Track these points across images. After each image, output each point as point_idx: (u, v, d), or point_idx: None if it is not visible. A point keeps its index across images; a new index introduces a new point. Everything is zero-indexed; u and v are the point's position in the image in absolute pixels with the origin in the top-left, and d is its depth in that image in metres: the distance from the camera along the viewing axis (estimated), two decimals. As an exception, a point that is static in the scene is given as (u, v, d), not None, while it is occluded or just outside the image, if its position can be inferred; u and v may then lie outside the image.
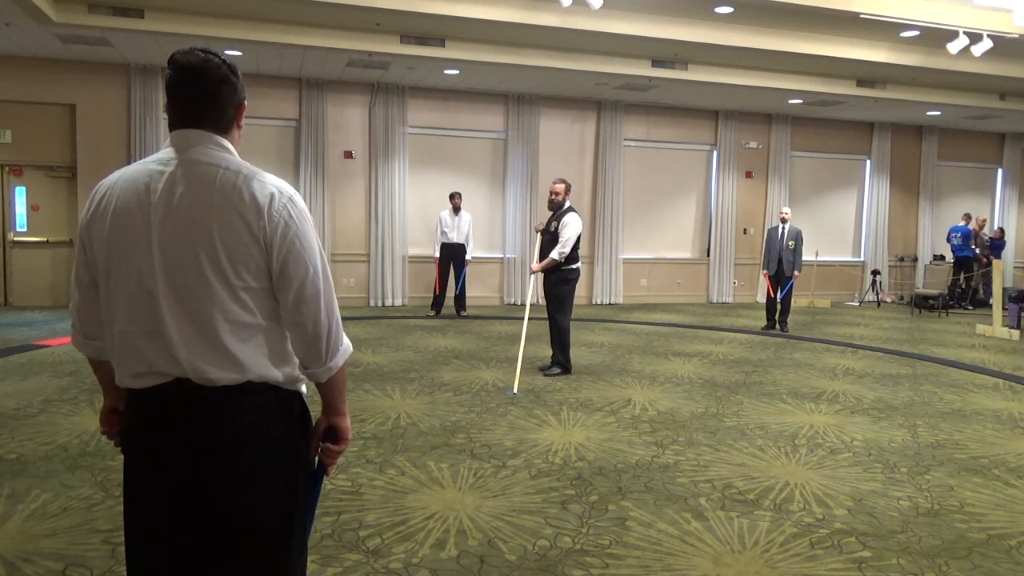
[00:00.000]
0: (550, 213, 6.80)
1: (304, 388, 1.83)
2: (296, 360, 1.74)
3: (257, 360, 1.67)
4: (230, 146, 1.71)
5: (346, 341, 1.75)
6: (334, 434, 1.79)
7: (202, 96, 1.68)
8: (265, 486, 1.73)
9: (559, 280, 6.65)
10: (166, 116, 1.75)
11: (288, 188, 1.68)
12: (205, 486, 1.70)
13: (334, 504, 3.56)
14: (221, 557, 1.75)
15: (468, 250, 10.55)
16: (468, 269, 10.74)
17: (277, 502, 1.75)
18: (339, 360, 1.72)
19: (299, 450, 1.79)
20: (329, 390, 1.76)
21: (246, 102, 1.77)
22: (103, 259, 1.68)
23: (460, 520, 3.42)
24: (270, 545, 1.76)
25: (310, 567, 2.91)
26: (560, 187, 6.69)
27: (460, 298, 10.55)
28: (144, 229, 1.63)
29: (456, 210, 10.47)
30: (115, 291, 1.67)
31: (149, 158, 1.73)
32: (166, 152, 1.69)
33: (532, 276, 7.03)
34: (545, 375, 6.69)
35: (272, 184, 1.66)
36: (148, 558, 1.75)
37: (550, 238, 6.64)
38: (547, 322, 6.87)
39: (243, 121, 1.77)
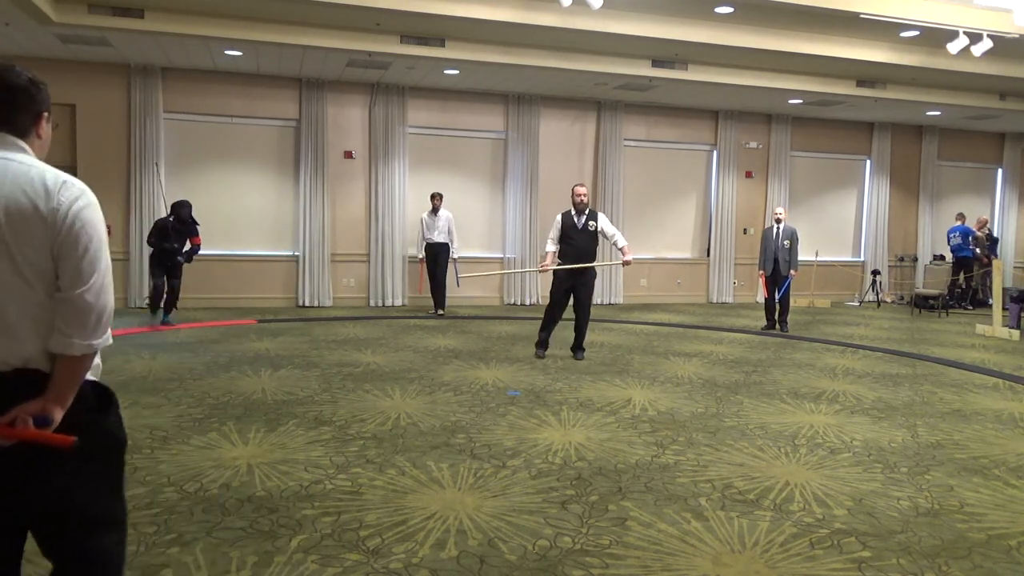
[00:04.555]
0: (572, 214, 7.40)
1: (95, 376, 1.89)
2: None
3: (34, 336, 1.74)
4: (27, 147, 1.81)
5: (110, 333, 1.82)
6: (43, 420, 1.71)
7: None
8: (62, 479, 1.77)
9: (593, 275, 7.55)
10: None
11: (84, 185, 1.79)
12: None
13: (334, 504, 3.56)
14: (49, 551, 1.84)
15: (453, 248, 10.61)
16: (458, 266, 10.78)
17: (79, 492, 1.80)
18: (100, 342, 1.78)
19: (99, 435, 1.84)
20: (70, 371, 1.75)
21: (47, 114, 1.86)
22: None
23: (460, 520, 3.42)
24: (79, 537, 1.84)
25: (310, 567, 2.92)
26: (584, 189, 7.43)
27: (440, 296, 10.61)
28: None
29: (435, 210, 10.57)
30: None
31: None
32: None
33: (622, 265, 7.69)
34: (578, 359, 7.39)
35: (65, 176, 1.78)
36: None
37: (588, 237, 7.35)
38: (550, 320, 7.58)
39: (44, 131, 1.87)
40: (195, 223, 9.00)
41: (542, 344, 7.55)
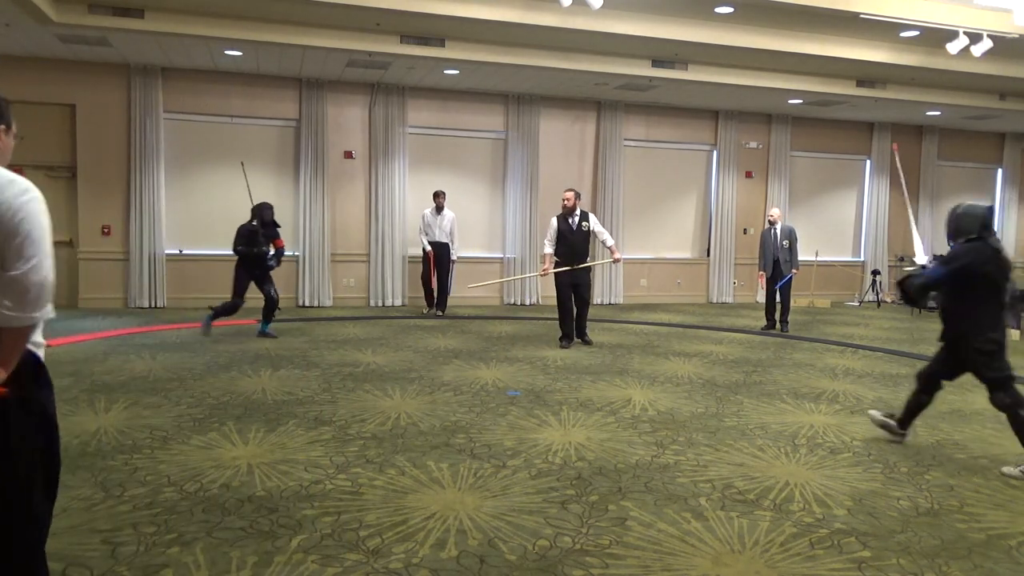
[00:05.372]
0: (563, 216, 8.06)
1: (42, 354, 2.14)
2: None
3: None
4: None
5: (50, 307, 2.09)
6: None
7: None
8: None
9: (589, 270, 8.34)
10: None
11: (30, 183, 2.06)
12: None
13: (334, 504, 3.56)
14: None
15: (453, 250, 10.60)
16: (456, 268, 10.80)
17: (13, 453, 2.04)
18: (39, 315, 2.05)
19: (32, 402, 2.09)
20: (14, 338, 2.02)
21: (4, 127, 2.17)
22: None
23: (460, 520, 3.41)
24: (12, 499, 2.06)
25: (310, 567, 2.92)
26: (570, 194, 8.06)
27: (442, 297, 10.58)
28: None
29: (439, 209, 10.55)
30: None
31: None
32: None
33: (605, 266, 8.80)
34: (586, 342, 8.28)
35: (13, 175, 2.05)
36: None
37: (581, 237, 8.06)
38: (555, 319, 8.42)
39: (4, 143, 2.18)
40: (277, 225, 8.46)
41: (566, 337, 8.23)
